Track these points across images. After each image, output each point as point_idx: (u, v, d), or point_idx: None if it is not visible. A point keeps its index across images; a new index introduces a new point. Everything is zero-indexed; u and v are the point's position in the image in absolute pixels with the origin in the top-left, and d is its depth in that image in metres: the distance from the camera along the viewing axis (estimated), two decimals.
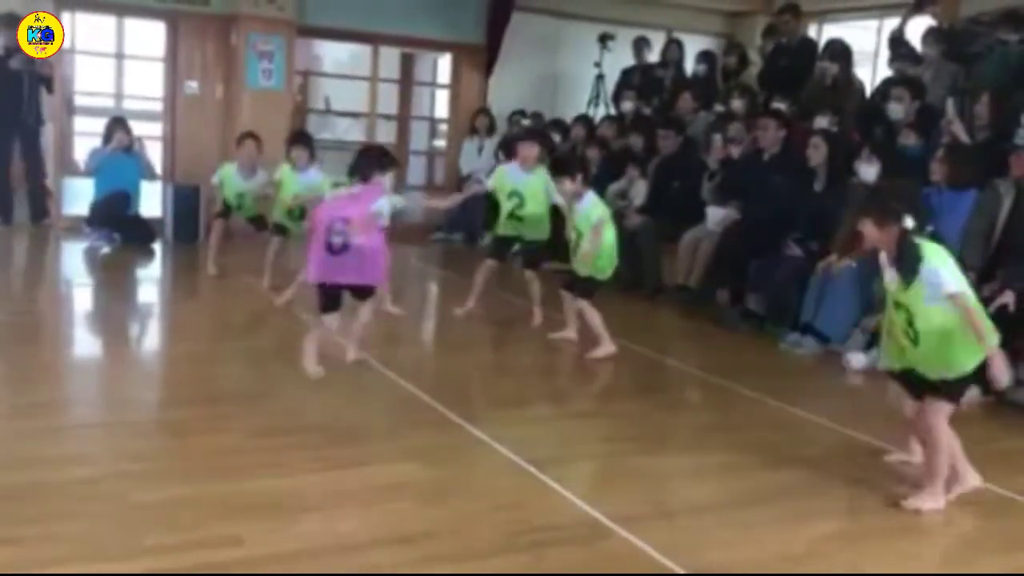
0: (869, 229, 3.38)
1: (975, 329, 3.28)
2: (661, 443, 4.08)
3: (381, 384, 4.59)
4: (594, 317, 5.38)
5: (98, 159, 7.99)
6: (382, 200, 4.39)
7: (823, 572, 2.96)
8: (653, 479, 3.60)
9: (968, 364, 3.35)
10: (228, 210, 7.09)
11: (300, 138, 6.73)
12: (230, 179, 7.00)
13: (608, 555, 2.96)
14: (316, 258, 4.36)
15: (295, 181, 6.47)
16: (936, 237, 3.51)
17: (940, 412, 3.41)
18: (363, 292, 4.52)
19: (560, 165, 5.67)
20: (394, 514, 3.13)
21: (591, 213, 5.33)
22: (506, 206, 6.00)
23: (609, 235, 5.36)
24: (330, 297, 4.45)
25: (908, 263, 3.31)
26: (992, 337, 3.31)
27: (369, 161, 4.51)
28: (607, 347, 5.34)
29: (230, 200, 7.04)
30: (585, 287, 5.42)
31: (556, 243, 6.17)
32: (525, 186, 5.94)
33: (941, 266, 3.29)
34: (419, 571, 2.75)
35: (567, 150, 8.80)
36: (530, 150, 6.01)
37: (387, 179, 4.55)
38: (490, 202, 6.44)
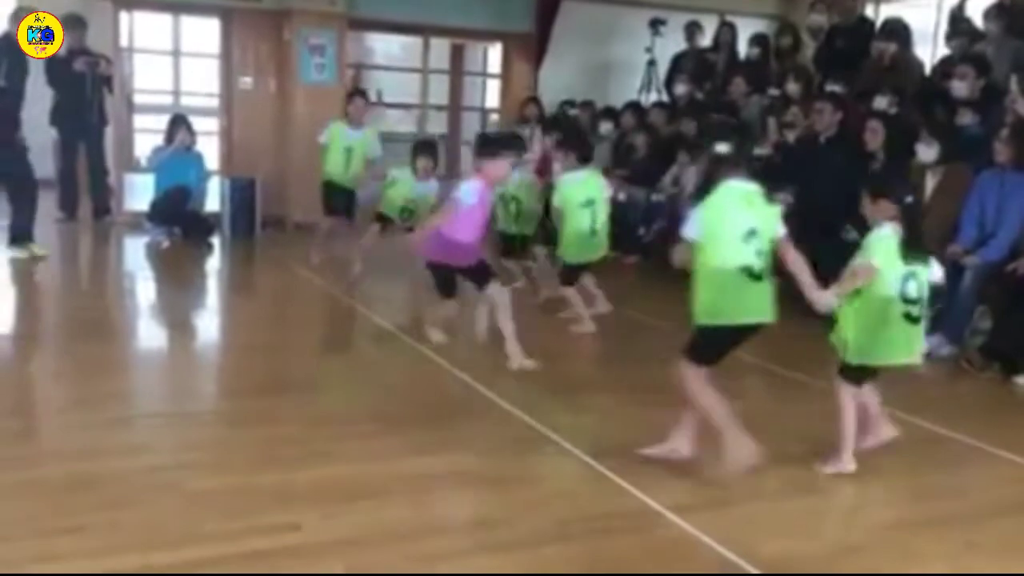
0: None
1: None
2: (714, 431, 4.03)
3: (435, 374, 4.62)
4: (575, 298, 5.63)
5: (161, 157, 8.17)
6: None
7: (878, 562, 2.91)
8: (706, 467, 3.56)
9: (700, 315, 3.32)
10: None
11: (427, 148, 6.82)
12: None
13: (663, 544, 2.94)
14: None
15: (411, 187, 6.62)
16: (910, 208, 3.51)
17: (684, 371, 3.36)
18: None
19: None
20: (448, 503, 3.15)
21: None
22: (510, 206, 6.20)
23: (574, 222, 5.50)
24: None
25: (703, 192, 3.33)
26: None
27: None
28: None
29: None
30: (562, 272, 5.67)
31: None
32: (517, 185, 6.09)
33: (699, 208, 3.28)
34: (472, 559, 2.77)
35: (617, 137, 8.75)
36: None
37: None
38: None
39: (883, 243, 3.47)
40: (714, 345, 3.38)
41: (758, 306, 3.31)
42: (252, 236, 8.66)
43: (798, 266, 3.40)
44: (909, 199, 3.55)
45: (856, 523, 3.19)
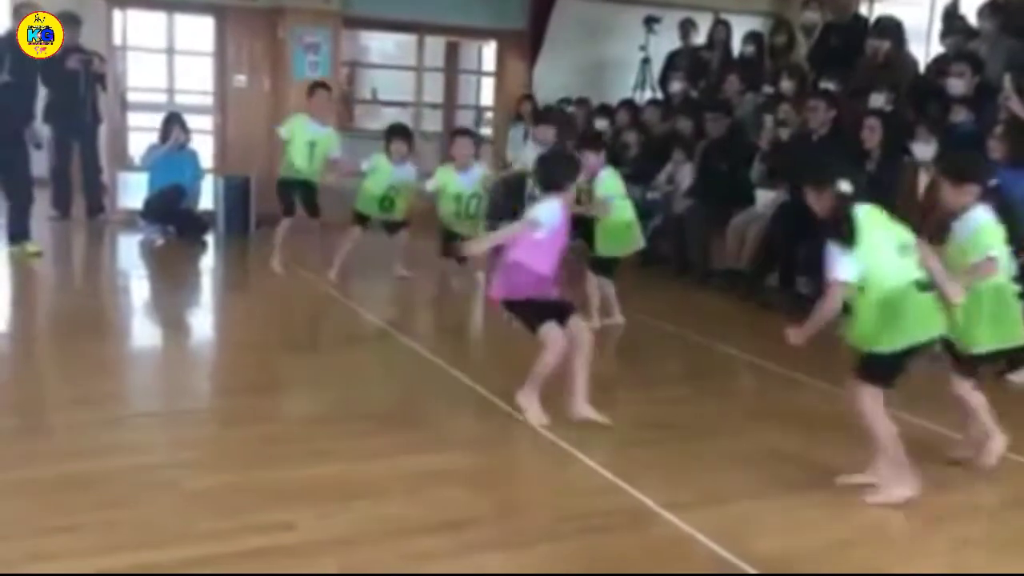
0: (809, 195, 3.26)
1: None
2: (710, 429, 4.05)
3: (429, 372, 4.62)
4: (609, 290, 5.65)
5: (156, 155, 8.15)
6: None
7: (875, 559, 2.92)
8: (702, 465, 3.57)
9: (873, 343, 3.17)
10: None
11: (400, 132, 6.73)
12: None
13: (656, 542, 2.95)
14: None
15: (389, 173, 6.56)
16: (995, 190, 3.44)
17: (862, 394, 3.23)
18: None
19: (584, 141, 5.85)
20: (442, 501, 3.15)
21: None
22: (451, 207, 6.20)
23: (618, 213, 5.47)
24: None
25: (842, 232, 3.10)
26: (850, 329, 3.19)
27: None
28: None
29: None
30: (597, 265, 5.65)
31: None
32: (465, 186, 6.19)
33: (845, 246, 3.10)
34: (466, 557, 2.77)
35: (611, 135, 8.74)
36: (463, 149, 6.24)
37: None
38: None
39: (990, 230, 3.42)
40: (896, 367, 3.22)
41: (935, 318, 3.19)
42: (246, 234, 8.65)
43: (931, 263, 3.31)
44: (994, 181, 3.46)
45: (853, 520, 3.19)
